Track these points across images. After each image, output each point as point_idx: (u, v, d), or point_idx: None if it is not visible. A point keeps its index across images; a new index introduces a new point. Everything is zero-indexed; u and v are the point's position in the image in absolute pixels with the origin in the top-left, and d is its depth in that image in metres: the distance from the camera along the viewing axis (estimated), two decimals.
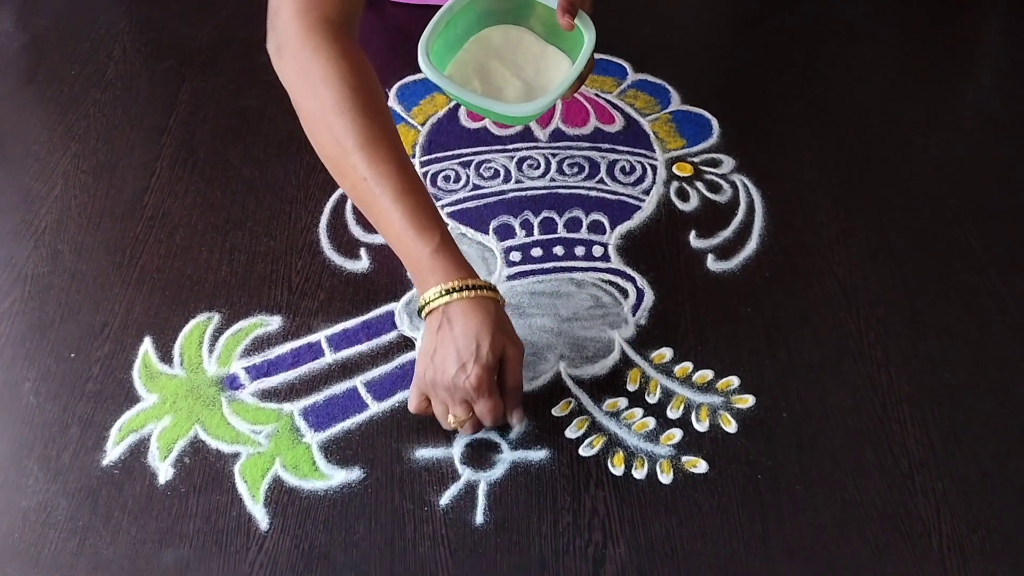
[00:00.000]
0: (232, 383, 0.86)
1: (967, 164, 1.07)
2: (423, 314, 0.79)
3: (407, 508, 0.78)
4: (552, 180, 1.04)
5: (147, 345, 0.89)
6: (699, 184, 1.04)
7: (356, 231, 0.99)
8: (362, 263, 0.96)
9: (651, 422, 0.83)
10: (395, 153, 0.79)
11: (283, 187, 1.04)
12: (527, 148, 1.07)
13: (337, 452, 0.81)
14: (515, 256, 0.96)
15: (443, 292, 0.77)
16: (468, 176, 1.04)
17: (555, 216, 1.00)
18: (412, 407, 0.81)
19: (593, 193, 1.02)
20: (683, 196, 1.03)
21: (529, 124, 1.10)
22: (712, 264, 0.96)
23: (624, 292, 0.93)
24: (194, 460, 0.81)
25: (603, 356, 0.88)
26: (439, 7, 0.89)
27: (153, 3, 1.32)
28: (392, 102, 1.13)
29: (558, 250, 0.97)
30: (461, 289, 0.77)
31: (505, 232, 0.98)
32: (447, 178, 1.04)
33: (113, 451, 0.82)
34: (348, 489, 0.79)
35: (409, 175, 0.79)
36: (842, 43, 1.24)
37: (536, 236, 0.98)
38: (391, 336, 0.90)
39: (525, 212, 1.00)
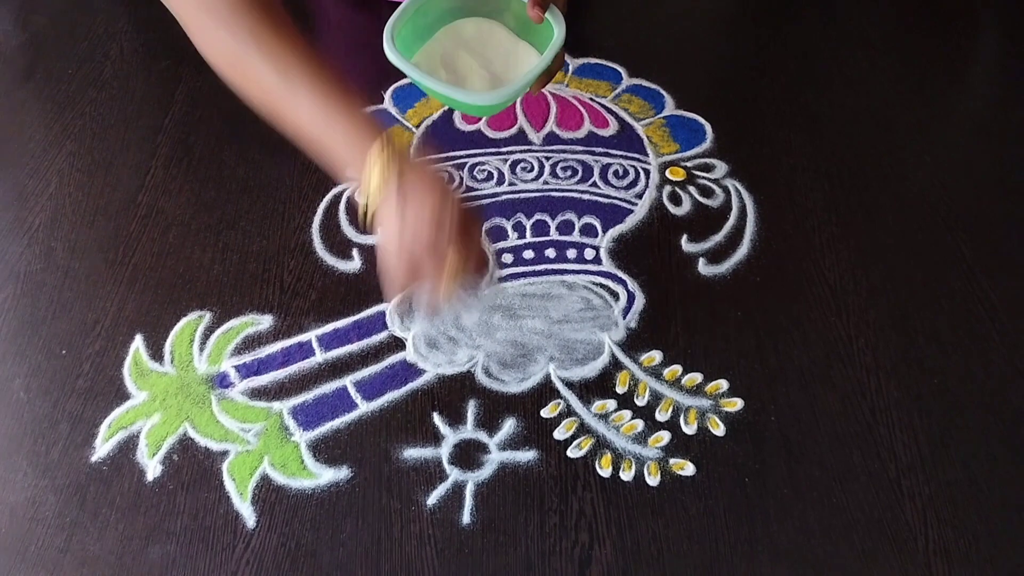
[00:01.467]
0: (222, 381, 0.86)
1: (958, 171, 1.07)
2: (374, 186, 0.69)
3: (394, 507, 0.78)
4: (545, 183, 1.04)
5: (138, 343, 0.90)
6: (692, 188, 1.04)
7: (349, 232, 0.99)
8: (354, 263, 0.96)
9: (640, 424, 0.83)
10: (298, 44, 0.72)
11: (277, 187, 1.04)
12: (521, 151, 1.07)
13: (325, 451, 0.81)
14: (507, 258, 0.96)
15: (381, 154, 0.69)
16: (462, 178, 1.04)
17: (547, 219, 1.00)
18: (399, 286, 0.71)
19: (586, 196, 1.03)
20: (676, 200, 1.03)
21: (524, 127, 1.10)
22: (703, 268, 0.96)
23: (615, 295, 0.93)
24: (183, 457, 0.81)
25: (593, 358, 0.88)
26: None
27: (151, 3, 1.32)
28: (387, 104, 1.14)
29: (550, 252, 0.97)
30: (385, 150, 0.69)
31: (497, 234, 0.99)
32: None
33: (102, 448, 0.82)
34: (336, 488, 0.79)
35: (316, 63, 0.72)
36: (835, 50, 1.24)
37: (528, 238, 0.98)
38: (382, 336, 0.90)
39: (518, 214, 1.01)
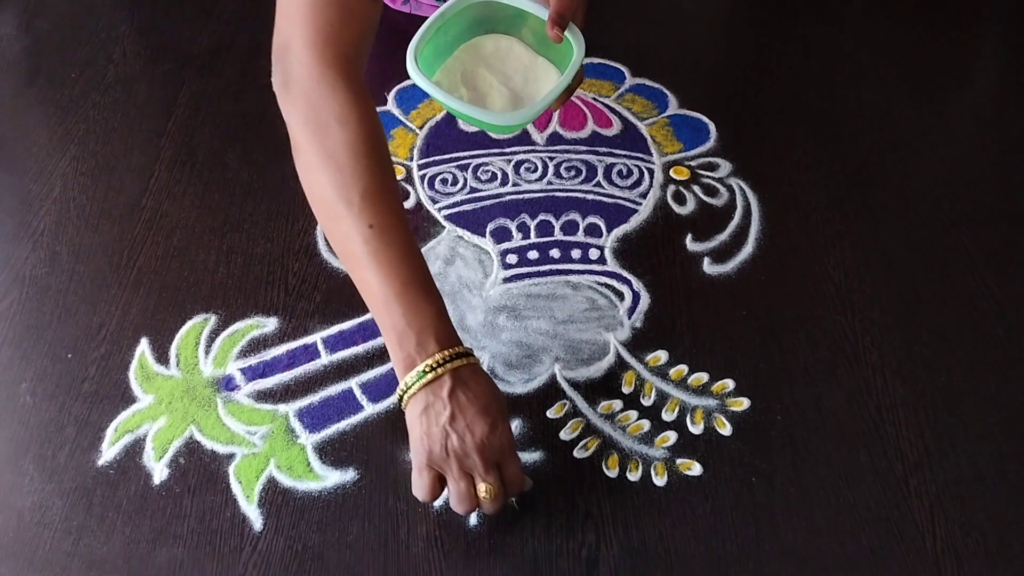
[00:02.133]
0: (228, 384, 0.87)
1: (962, 167, 1.07)
2: (418, 384, 0.71)
3: (401, 509, 0.78)
4: (549, 183, 1.04)
5: (143, 346, 0.90)
6: (696, 188, 1.04)
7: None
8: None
9: (646, 424, 0.83)
10: (401, 207, 0.75)
11: (280, 190, 1.04)
12: (524, 151, 1.07)
13: (332, 453, 0.81)
14: (511, 259, 0.96)
15: (450, 356, 0.70)
16: (465, 179, 1.04)
17: (552, 219, 1.00)
18: (424, 493, 0.73)
19: (590, 196, 1.03)
20: (680, 200, 1.03)
21: (527, 127, 1.10)
22: (708, 267, 0.96)
23: (620, 295, 0.93)
24: (189, 461, 0.81)
25: (598, 359, 0.88)
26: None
27: (154, 6, 1.33)
28: (391, 106, 1.14)
29: (554, 253, 0.97)
30: (464, 355, 0.72)
31: (502, 235, 0.99)
32: (444, 181, 1.04)
33: (109, 451, 0.82)
34: (342, 490, 0.79)
35: (411, 233, 0.75)
36: (839, 48, 1.24)
37: (533, 239, 0.98)
38: None
39: (522, 215, 1.01)
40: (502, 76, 0.92)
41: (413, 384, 0.71)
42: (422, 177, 1.05)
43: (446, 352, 0.71)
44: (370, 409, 0.84)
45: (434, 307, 0.72)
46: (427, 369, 0.70)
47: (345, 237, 0.74)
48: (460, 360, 0.71)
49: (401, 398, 0.72)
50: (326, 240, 0.99)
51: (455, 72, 0.90)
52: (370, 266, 0.72)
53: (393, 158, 1.06)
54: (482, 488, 0.71)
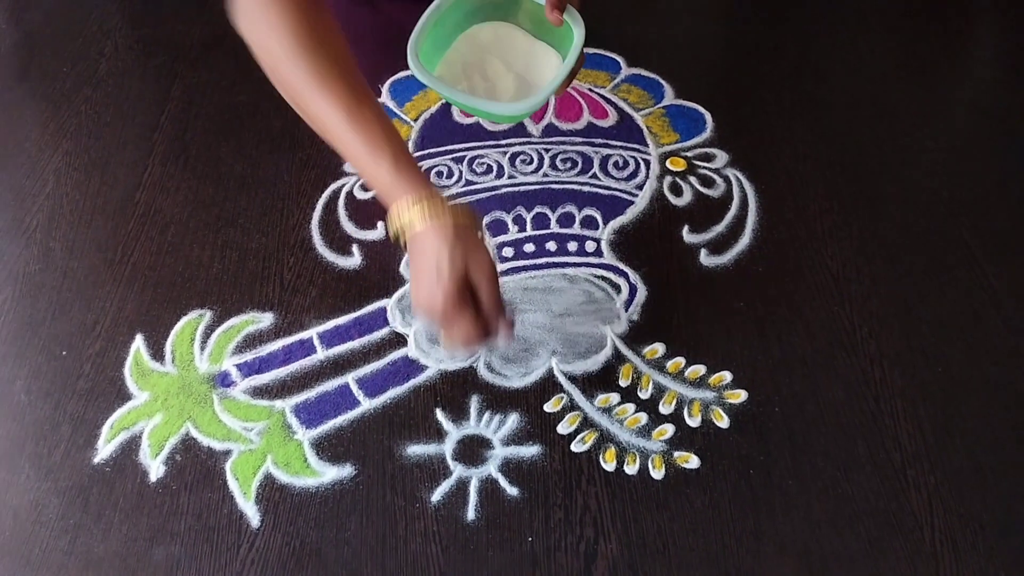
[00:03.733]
0: (224, 380, 0.86)
1: (961, 157, 1.06)
2: (398, 235, 0.76)
3: (399, 505, 0.77)
4: (545, 175, 1.03)
5: (139, 343, 0.89)
6: (692, 179, 1.04)
7: (348, 228, 0.99)
8: (354, 260, 0.96)
9: (643, 417, 0.83)
10: (347, 85, 0.77)
11: (275, 184, 1.03)
12: (520, 143, 1.07)
13: (329, 449, 0.81)
14: (507, 252, 0.96)
15: (406, 209, 0.74)
16: (461, 172, 1.04)
17: (548, 211, 1.00)
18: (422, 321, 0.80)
19: (586, 188, 1.02)
20: (676, 191, 1.02)
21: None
22: (705, 259, 0.96)
23: (617, 287, 0.93)
24: (185, 457, 0.81)
25: (595, 352, 0.88)
26: (431, 3, 0.88)
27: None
28: (385, 98, 1.13)
29: (551, 245, 0.96)
30: (419, 203, 0.74)
31: (498, 228, 0.98)
32: (440, 174, 1.04)
33: (104, 449, 0.82)
34: (340, 486, 0.79)
35: (360, 100, 0.77)
36: (835, 37, 1.24)
37: (529, 232, 0.98)
38: (383, 333, 0.90)
39: (518, 208, 1.00)
40: (504, 63, 0.91)
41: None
42: None
43: (401, 205, 0.75)
44: (367, 404, 0.84)
45: (383, 166, 0.75)
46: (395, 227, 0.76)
47: (315, 127, 0.79)
48: (413, 215, 0.74)
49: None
50: (322, 234, 0.98)
51: (456, 64, 0.89)
52: (336, 148, 0.78)
53: None
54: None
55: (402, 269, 0.94)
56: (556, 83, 0.86)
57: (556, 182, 1.03)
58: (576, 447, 0.81)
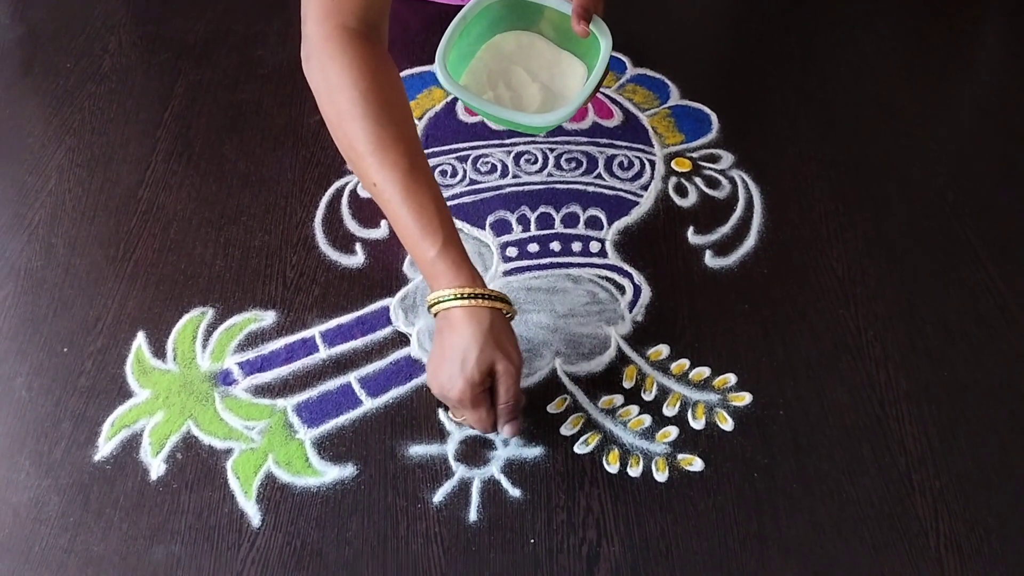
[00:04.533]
0: (225, 378, 0.86)
1: (966, 158, 1.06)
2: (433, 314, 0.79)
3: (400, 505, 0.77)
4: (549, 175, 1.03)
5: (140, 340, 0.89)
6: (697, 180, 1.03)
7: (352, 226, 0.99)
8: (357, 258, 0.95)
9: (647, 419, 0.82)
10: (405, 156, 0.77)
11: (278, 182, 1.03)
12: (524, 143, 1.06)
13: (330, 448, 0.81)
14: (511, 252, 0.95)
15: (446, 297, 0.76)
16: (465, 171, 1.03)
17: (552, 211, 0.99)
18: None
19: (591, 188, 1.02)
20: (681, 192, 1.02)
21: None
22: (710, 260, 0.95)
23: (621, 288, 0.92)
24: (186, 456, 0.80)
25: (599, 353, 0.87)
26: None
27: None
28: None
29: (555, 246, 0.96)
30: (462, 297, 0.76)
31: (502, 227, 0.98)
32: (444, 173, 1.03)
33: (105, 446, 0.81)
34: (341, 486, 0.78)
35: (417, 178, 0.77)
36: (841, 37, 1.23)
37: (533, 232, 0.97)
38: (386, 332, 0.89)
39: (522, 207, 1.00)
40: (529, 73, 0.91)
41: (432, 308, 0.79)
42: None
43: (434, 295, 0.78)
44: (369, 404, 0.84)
45: (433, 250, 0.77)
46: (431, 304, 0.78)
47: (370, 191, 0.80)
48: (449, 303, 0.77)
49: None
50: (325, 232, 0.98)
51: (481, 73, 0.89)
52: (388, 217, 0.80)
53: None
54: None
55: (405, 268, 0.94)
56: (586, 94, 0.85)
57: (561, 182, 1.02)
58: (579, 449, 0.80)
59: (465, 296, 0.75)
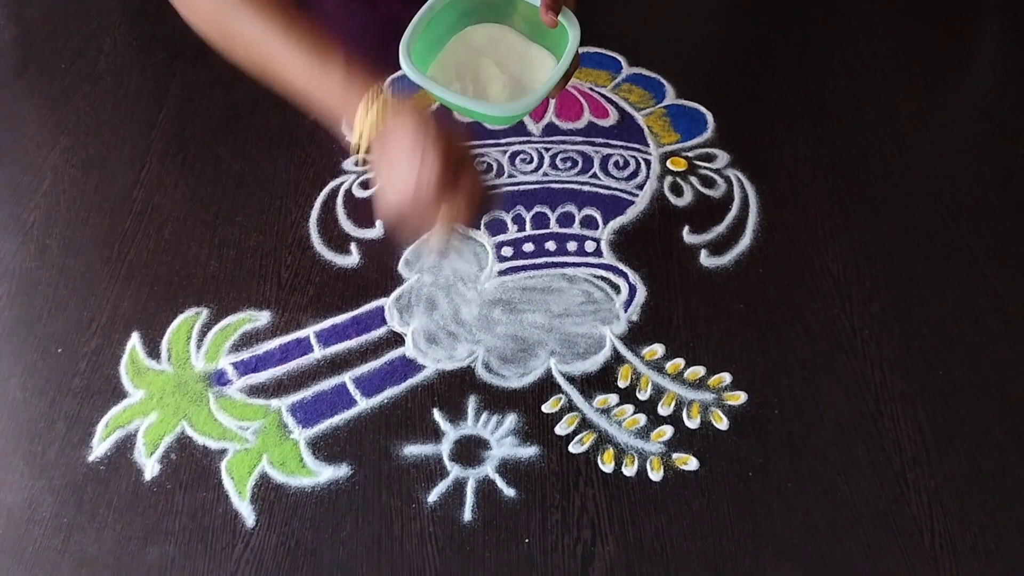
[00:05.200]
0: (220, 379, 0.86)
1: (962, 160, 1.06)
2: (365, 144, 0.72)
3: (395, 505, 0.77)
4: (545, 175, 1.03)
5: (135, 340, 0.89)
6: (693, 179, 1.03)
7: (346, 226, 0.98)
8: (352, 258, 0.95)
9: (642, 419, 0.82)
10: (276, 5, 0.74)
11: (273, 182, 1.03)
12: (520, 142, 1.06)
13: (325, 449, 0.81)
14: (507, 251, 0.95)
15: (373, 106, 0.70)
16: None
17: (547, 211, 0.99)
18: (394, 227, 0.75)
19: (586, 188, 1.02)
20: (677, 191, 1.02)
21: (523, 118, 1.09)
22: (705, 260, 0.95)
23: (616, 288, 0.92)
24: (181, 456, 0.80)
25: (594, 352, 0.87)
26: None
27: None
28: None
29: (550, 245, 0.96)
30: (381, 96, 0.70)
31: (497, 227, 0.98)
32: None
33: (99, 447, 0.81)
34: (335, 486, 0.78)
35: (294, 16, 0.74)
36: (837, 38, 1.23)
37: (528, 231, 0.97)
38: (381, 332, 0.89)
39: (517, 207, 1.00)
40: (498, 66, 0.90)
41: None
42: None
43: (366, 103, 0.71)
44: (363, 404, 0.84)
45: (337, 64, 0.72)
46: (364, 127, 0.71)
47: (245, 49, 0.75)
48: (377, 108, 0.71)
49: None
50: (320, 232, 0.98)
51: (449, 65, 0.89)
52: (272, 65, 0.74)
53: None
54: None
55: (400, 268, 0.94)
56: (550, 85, 0.85)
57: (556, 181, 1.02)
58: (574, 448, 0.80)
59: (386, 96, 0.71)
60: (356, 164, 0.73)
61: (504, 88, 0.89)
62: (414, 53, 0.84)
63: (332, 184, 1.02)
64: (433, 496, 0.77)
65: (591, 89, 1.13)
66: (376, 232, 0.97)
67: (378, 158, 0.72)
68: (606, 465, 0.79)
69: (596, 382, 0.85)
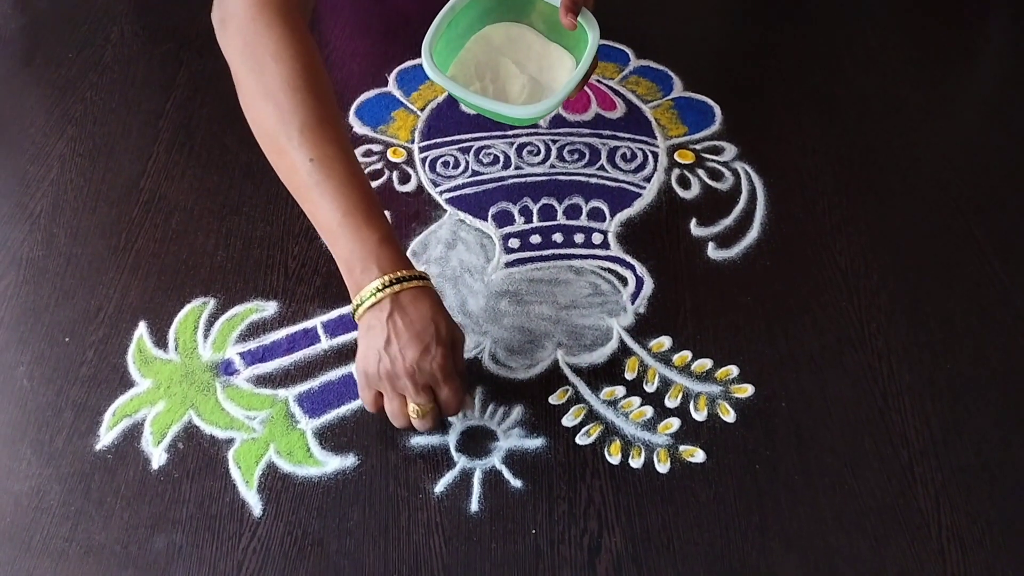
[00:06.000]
0: (227, 368, 0.86)
1: (970, 152, 1.06)
2: (363, 308, 0.74)
3: (401, 495, 0.77)
4: (552, 167, 1.03)
5: (142, 330, 0.89)
6: (700, 171, 1.03)
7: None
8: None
9: (649, 411, 0.82)
10: (342, 138, 0.77)
11: None
12: (527, 134, 1.06)
13: (332, 438, 0.81)
14: (514, 243, 0.95)
15: (390, 282, 0.73)
16: (467, 162, 1.03)
17: (554, 203, 0.99)
18: (367, 404, 0.79)
19: (593, 180, 1.01)
20: (684, 183, 1.02)
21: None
22: (713, 252, 0.95)
23: (623, 280, 0.92)
24: (188, 445, 0.80)
25: (601, 344, 0.87)
26: None
27: None
28: (392, 87, 1.12)
29: (557, 237, 0.96)
30: (408, 279, 0.74)
31: (504, 219, 0.98)
32: (446, 164, 1.03)
33: (106, 436, 0.81)
34: (342, 476, 0.78)
35: (355, 162, 0.77)
36: (845, 30, 1.23)
37: (535, 223, 0.97)
38: None
39: (524, 199, 0.99)
40: (517, 65, 0.90)
41: (359, 307, 0.75)
42: (423, 160, 1.04)
43: (387, 277, 0.73)
44: None
45: (378, 233, 0.74)
46: (370, 294, 0.73)
47: (289, 170, 0.77)
48: (401, 284, 0.73)
49: (354, 318, 0.76)
50: None
51: (469, 64, 0.89)
52: (313, 198, 0.75)
53: (394, 140, 1.05)
54: (411, 408, 0.76)
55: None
56: (570, 87, 0.85)
57: (563, 173, 1.02)
58: (581, 440, 0.80)
59: (415, 277, 0.74)
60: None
61: (523, 88, 0.89)
62: (435, 53, 0.84)
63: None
64: (440, 487, 0.77)
65: (598, 81, 1.13)
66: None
67: (381, 327, 0.74)
68: (613, 457, 0.79)
69: (603, 374, 0.85)
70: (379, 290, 0.73)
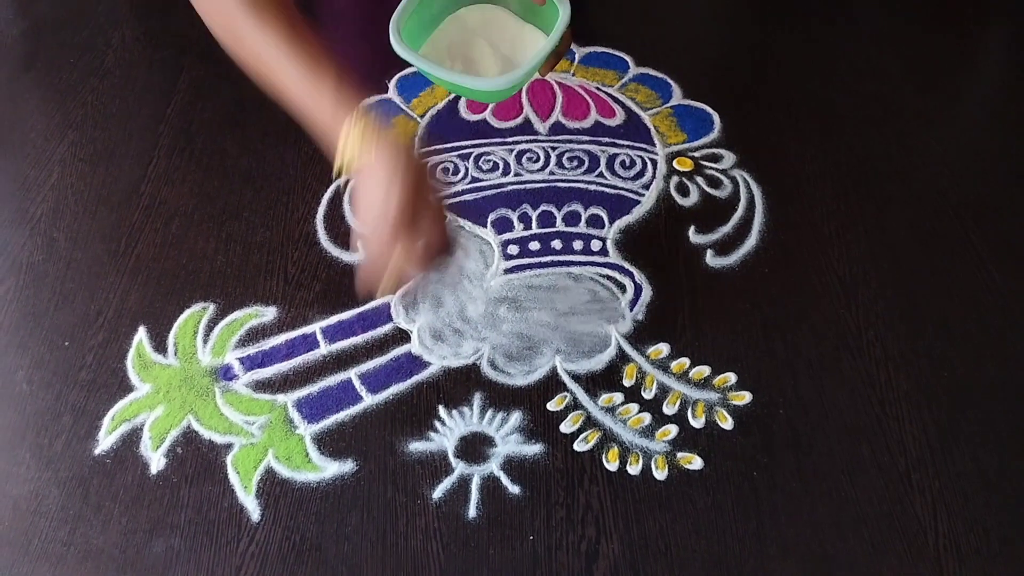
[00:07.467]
0: (226, 373, 0.86)
1: (968, 160, 1.06)
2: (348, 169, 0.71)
3: (400, 501, 0.77)
4: (551, 173, 1.03)
5: (141, 334, 0.89)
6: (699, 179, 1.03)
7: (353, 222, 0.98)
8: (359, 254, 0.95)
9: (647, 418, 0.82)
10: (278, 13, 0.74)
11: (280, 177, 1.03)
12: (527, 141, 1.06)
13: (330, 444, 0.81)
14: (513, 249, 0.95)
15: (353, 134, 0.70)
16: (467, 168, 1.03)
17: (554, 210, 0.99)
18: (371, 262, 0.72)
19: (592, 187, 1.02)
20: (683, 191, 1.02)
21: (529, 116, 1.09)
22: (711, 260, 0.95)
23: (622, 287, 0.92)
24: (187, 450, 0.80)
25: (600, 351, 0.87)
26: None
27: None
28: (392, 93, 1.13)
29: (556, 244, 0.96)
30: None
31: (503, 225, 0.98)
32: (446, 170, 1.03)
33: (105, 440, 0.81)
34: (341, 481, 0.78)
35: (297, 29, 0.74)
36: (844, 39, 1.23)
37: (534, 230, 0.97)
38: (386, 328, 0.89)
39: (523, 205, 1.00)
40: (491, 45, 0.90)
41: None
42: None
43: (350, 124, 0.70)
44: (369, 400, 0.84)
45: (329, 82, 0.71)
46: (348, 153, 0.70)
47: (249, 55, 0.76)
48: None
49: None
50: (327, 228, 0.98)
51: (441, 45, 0.88)
52: (271, 74, 0.75)
53: None
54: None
55: None
56: (539, 58, 0.85)
57: (562, 180, 1.02)
58: (579, 446, 0.80)
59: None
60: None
61: (496, 67, 0.88)
62: (406, 32, 0.84)
63: (339, 180, 1.02)
64: (438, 492, 0.77)
65: (598, 88, 1.13)
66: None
67: (355, 187, 0.72)
68: (611, 463, 0.79)
69: (601, 380, 0.85)
70: (356, 130, 0.70)
